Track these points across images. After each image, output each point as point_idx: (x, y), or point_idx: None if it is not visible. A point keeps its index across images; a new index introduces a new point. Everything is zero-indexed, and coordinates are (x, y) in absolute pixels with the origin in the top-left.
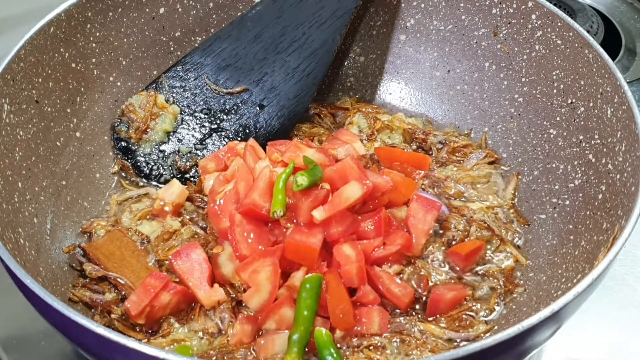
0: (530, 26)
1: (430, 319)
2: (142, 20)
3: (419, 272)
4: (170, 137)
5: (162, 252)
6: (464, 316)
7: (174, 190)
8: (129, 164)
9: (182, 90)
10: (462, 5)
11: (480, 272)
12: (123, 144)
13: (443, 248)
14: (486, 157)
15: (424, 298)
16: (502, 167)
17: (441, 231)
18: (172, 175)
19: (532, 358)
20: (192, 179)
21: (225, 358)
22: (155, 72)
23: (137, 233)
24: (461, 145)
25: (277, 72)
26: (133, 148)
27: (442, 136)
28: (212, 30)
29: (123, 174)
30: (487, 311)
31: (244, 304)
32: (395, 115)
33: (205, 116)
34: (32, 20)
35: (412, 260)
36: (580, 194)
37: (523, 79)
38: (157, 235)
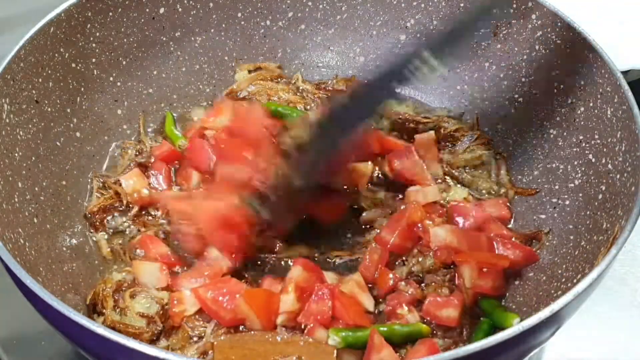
0: (530, 26)
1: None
2: (142, 20)
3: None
4: None
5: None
6: None
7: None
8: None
9: None
10: (462, 5)
11: None
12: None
13: None
14: (478, 138)
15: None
16: (495, 149)
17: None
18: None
19: (532, 358)
20: None
21: None
22: (155, 72)
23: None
24: (452, 130)
25: None
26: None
27: (432, 123)
28: (212, 31)
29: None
30: None
31: None
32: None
33: None
34: (32, 20)
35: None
36: (580, 194)
37: (523, 79)
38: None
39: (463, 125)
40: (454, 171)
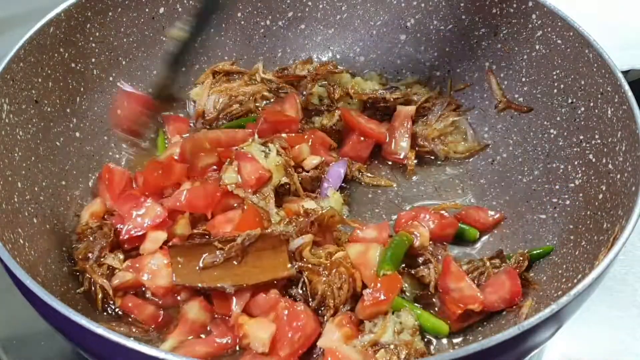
0: (530, 26)
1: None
2: (142, 20)
3: None
4: None
5: None
6: None
7: None
8: None
9: None
10: (462, 5)
11: None
12: None
13: None
14: (449, 105)
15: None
16: (467, 113)
17: None
18: None
19: (532, 358)
20: None
21: None
22: (155, 72)
23: None
24: (423, 101)
25: None
26: None
27: (402, 98)
28: (212, 31)
29: None
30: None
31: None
32: (355, 80)
33: None
34: (32, 20)
35: None
36: (581, 194)
37: (523, 79)
38: None
39: (432, 94)
40: (427, 144)
